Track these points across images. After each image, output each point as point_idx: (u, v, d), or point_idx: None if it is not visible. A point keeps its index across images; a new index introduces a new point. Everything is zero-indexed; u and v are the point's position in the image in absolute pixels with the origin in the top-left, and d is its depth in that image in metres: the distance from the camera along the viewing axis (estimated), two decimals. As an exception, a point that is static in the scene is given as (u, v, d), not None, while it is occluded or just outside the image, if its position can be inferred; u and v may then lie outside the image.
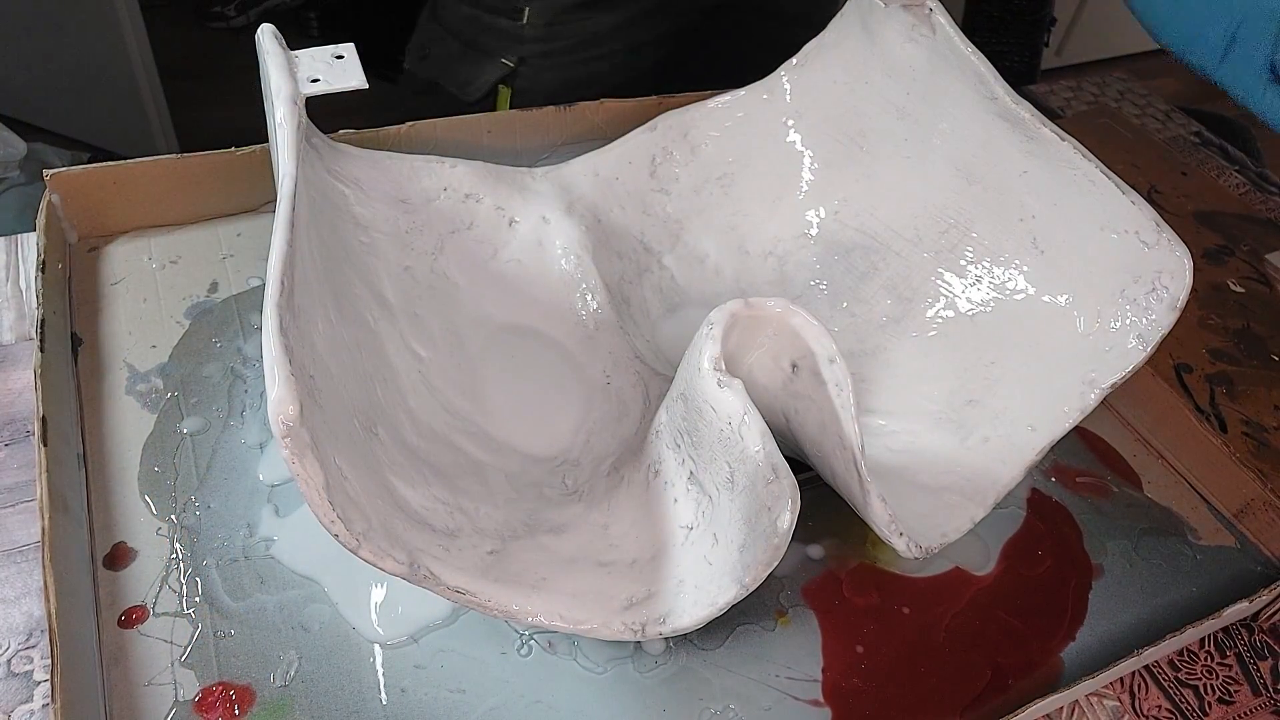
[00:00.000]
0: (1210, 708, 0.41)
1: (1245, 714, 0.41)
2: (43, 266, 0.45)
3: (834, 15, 0.49)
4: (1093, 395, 0.40)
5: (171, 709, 0.35)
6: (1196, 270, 0.38)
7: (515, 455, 0.42)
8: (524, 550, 0.36)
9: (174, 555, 0.39)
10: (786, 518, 0.31)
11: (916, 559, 0.37)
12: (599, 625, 0.34)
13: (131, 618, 0.37)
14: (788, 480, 0.32)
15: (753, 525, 0.32)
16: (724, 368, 0.33)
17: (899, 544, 0.36)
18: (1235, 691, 0.42)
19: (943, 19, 0.44)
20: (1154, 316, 0.39)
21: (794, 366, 0.36)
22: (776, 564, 0.32)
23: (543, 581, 0.34)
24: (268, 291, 0.30)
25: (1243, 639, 0.44)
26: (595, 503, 0.39)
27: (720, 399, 0.33)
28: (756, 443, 0.32)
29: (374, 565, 0.30)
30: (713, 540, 0.34)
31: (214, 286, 0.50)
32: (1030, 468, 0.41)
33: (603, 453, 0.42)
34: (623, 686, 0.38)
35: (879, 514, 0.36)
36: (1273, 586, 0.43)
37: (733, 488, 0.33)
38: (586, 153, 0.51)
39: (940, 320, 0.46)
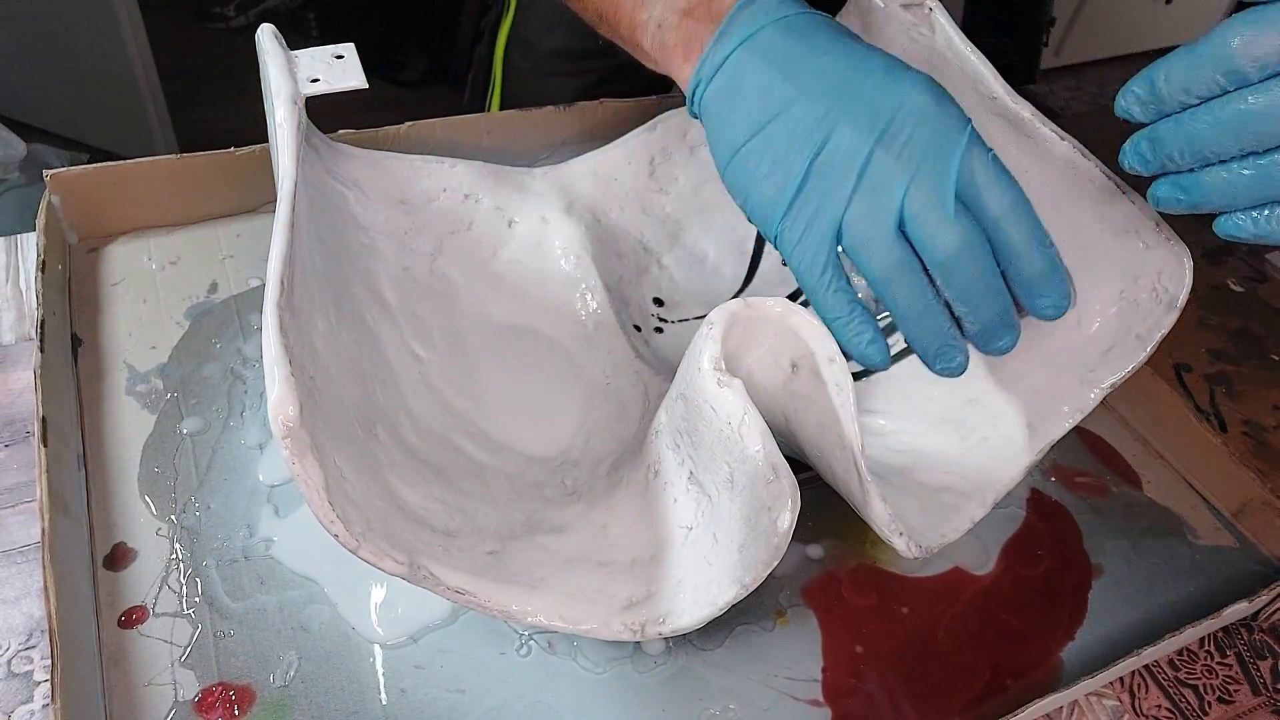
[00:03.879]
0: (1210, 707, 0.41)
1: (1245, 713, 0.41)
2: (43, 267, 0.45)
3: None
4: (1092, 395, 0.40)
5: (171, 709, 0.35)
6: (1196, 270, 0.38)
7: (515, 456, 0.42)
8: (524, 550, 0.36)
9: (174, 556, 0.39)
10: (786, 517, 0.31)
11: (916, 559, 0.37)
12: (599, 625, 0.34)
13: (131, 618, 0.37)
14: (788, 480, 0.32)
15: (752, 525, 0.32)
16: (724, 367, 0.33)
17: (899, 544, 0.36)
18: (1235, 691, 0.42)
19: (942, 18, 0.44)
20: (1154, 316, 0.39)
21: (794, 366, 0.36)
22: (776, 564, 0.32)
23: (542, 581, 0.34)
24: (268, 292, 0.30)
25: (1242, 638, 0.44)
26: (595, 503, 0.39)
27: (720, 399, 0.33)
28: (756, 442, 0.32)
29: (374, 565, 0.30)
30: (713, 540, 0.34)
31: (214, 287, 0.50)
32: (1030, 468, 0.41)
33: (602, 453, 0.42)
34: (623, 686, 0.38)
35: (879, 514, 0.36)
36: (1272, 586, 0.43)
37: (732, 487, 0.33)
38: (586, 153, 0.51)
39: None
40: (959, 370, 0.35)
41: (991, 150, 0.34)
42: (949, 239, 0.33)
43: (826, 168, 0.34)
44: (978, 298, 0.34)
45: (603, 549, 0.37)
